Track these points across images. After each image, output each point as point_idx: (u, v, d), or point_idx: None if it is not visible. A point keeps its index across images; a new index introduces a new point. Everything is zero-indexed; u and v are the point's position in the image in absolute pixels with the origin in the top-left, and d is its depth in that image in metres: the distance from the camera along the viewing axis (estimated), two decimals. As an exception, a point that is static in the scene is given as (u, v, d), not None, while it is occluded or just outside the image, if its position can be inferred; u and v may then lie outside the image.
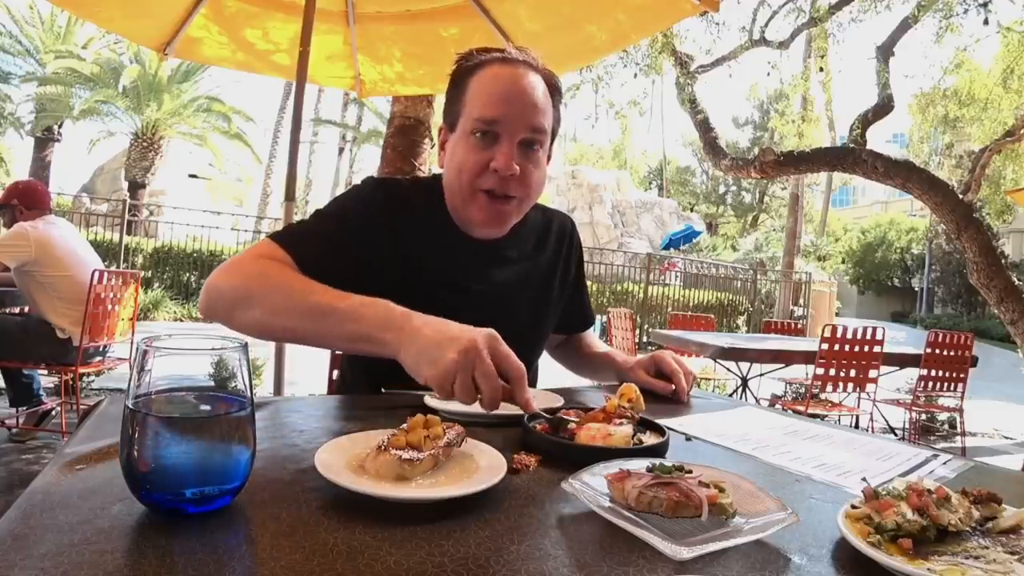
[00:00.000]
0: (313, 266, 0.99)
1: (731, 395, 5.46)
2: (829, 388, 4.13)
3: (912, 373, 4.75)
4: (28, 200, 3.46)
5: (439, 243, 1.17)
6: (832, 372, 4.03)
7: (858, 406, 4.71)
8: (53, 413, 3.66)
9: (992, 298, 5.74)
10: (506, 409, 0.95)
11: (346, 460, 0.65)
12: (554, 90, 1.14)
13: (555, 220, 1.37)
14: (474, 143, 1.08)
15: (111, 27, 3.64)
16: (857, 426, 4.68)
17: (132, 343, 3.62)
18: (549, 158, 1.19)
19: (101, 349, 3.63)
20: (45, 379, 3.90)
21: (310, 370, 3.37)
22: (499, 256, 1.22)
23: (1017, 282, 5.76)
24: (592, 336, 1.50)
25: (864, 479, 0.64)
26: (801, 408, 4.10)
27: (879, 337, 4.08)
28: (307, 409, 0.94)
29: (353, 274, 1.03)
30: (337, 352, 1.59)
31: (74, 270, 3.36)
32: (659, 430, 0.85)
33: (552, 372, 1.51)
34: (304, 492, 0.60)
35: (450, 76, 1.16)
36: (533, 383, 1.31)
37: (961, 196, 6.01)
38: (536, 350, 1.33)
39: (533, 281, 1.28)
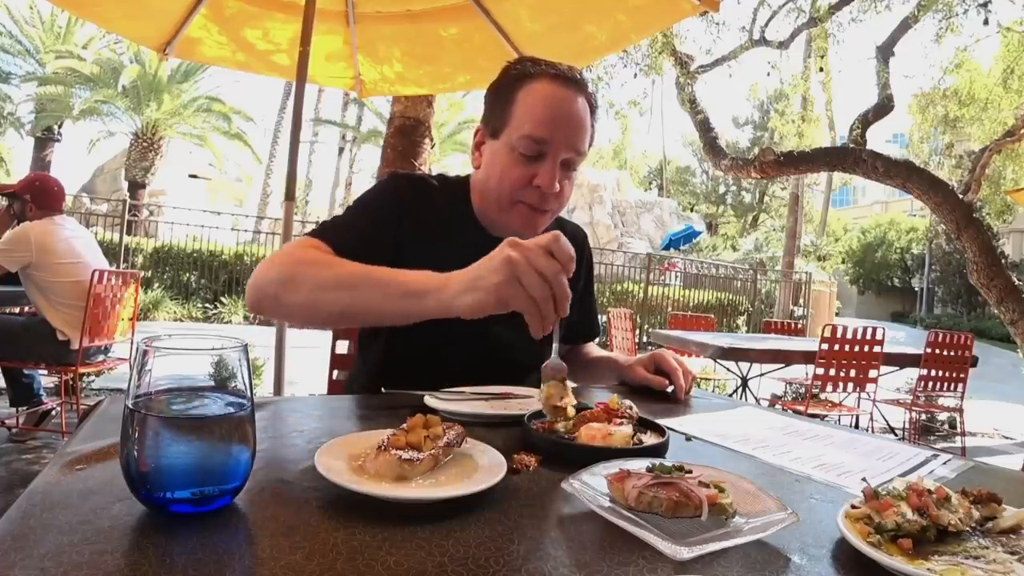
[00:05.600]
0: (349, 254, 1.01)
1: (731, 395, 5.46)
2: (829, 388, 4.13)
3: (912, 373, 4.75)
4: (40, 200, 3.42)
5: (462, 241, 1.18)
6: (832, 372, 4.03)
7: (858, 406, 4.71)
8: (53, 413, 3.66)
9: (992, 298, 5.74)
10: (506, 409, 0.95)
11: (346, 460, 0.65)
12: (593, 111, 1.17)
13: (567, 230, 1.40)
14: (518, 157, 1.11)
15: (111, 27, 3.64)
16: (857, 426, 4.68)
17: (132, 343, 3.62)
18: None
19: (103, 349, 3.62)
20: (45, 379, 3.89)
21: (310, 370, 3.37)
22: None
23: (1017, 282, 5.76)
24: (592, 344, 1.51)
25: (864, 479, 0.64)
26: (801, 408, 4.09)
27: (879, 337, 4.08)
28: (307, 409, 0.94)
29: (384, 263, 1.05)
30: (339, 353, 1.59)
31: (75, 274, 3.33)
32: (659, 430, 0.85)
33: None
34: (304, 492, 0.60)
35: (496, 81, 1.17)
36: (538, 384, 1.31)
37: (961, 196, 6.01)
38: (543, 355, 1.34)
39: None
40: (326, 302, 0.94)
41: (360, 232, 1.10)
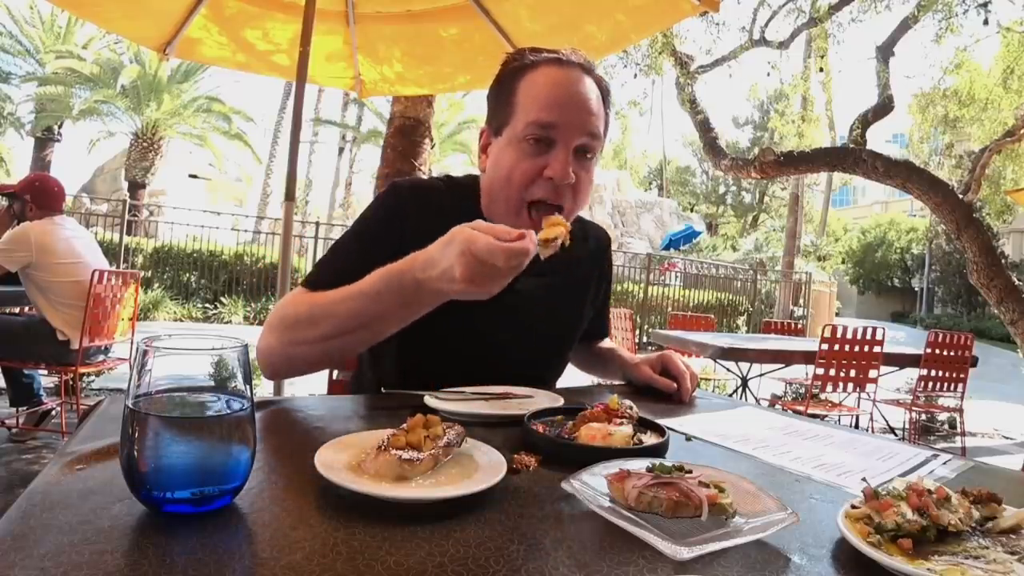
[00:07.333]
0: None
1: (731, 395, 5.46)
2: (829, 388, 4.13)
3: (912, 373, 4.75)
4: (40, 200, 3.42)
5: None
6: (832, 372, 4.03)
7: (858, 406, 4.71)
8: (53, 413, 3.66)
9: (992, 298, 5.74)
10: (506, 409, 0.95)
11: (346, 460, 0.65)
12: (606, 95, 1.09)
13: (591, 234, 1.34)
14: (526, 149, 1.03)
15: (111, 27, 3.64)
16: (857, 426, 4.68)
17: (132, 343, 3.62)
18: None
19: (103, 349, 3.62)
20: (45, 379, 3.89)
21: (310, 370, 3.37)
22: (533, 264, 1.20)
23: (1017, 282, 5.76)
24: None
25: (864, 479, 0.64)
26: (801, 408, 4.09)
27: (879, 337, 4.08)
28: (307, 409, 0.94)
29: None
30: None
31: (75, 274, 3.33)
32: (659, 430, 0.85)
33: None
34: (304, 492, 0.60)
35: (496, 77, 1.12)
36: (552, 387, 1.29)
37: (961, 196, 6.01)
38: (561, 358, 1.31)
39: (564, 292, 1.26)
40: (331, 348, 0.96)
41: (349, 263, 1.06)
